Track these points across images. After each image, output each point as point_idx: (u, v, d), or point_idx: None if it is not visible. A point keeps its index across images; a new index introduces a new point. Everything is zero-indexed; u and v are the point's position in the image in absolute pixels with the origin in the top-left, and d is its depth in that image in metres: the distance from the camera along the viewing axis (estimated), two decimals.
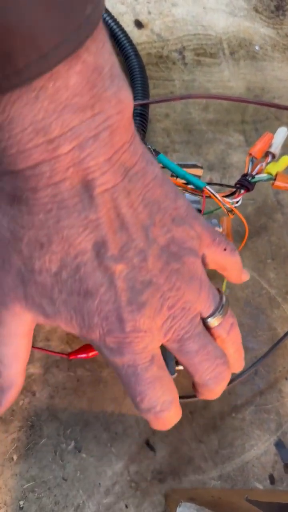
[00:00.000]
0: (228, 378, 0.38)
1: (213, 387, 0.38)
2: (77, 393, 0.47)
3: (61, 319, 0.33)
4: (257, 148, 0.48)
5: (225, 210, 0.46)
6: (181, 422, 0.50)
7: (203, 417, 0.51)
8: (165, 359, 0.46)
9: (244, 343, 0.55)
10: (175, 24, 0.61)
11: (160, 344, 0.35)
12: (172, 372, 0.45)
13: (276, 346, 0.53)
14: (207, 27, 0.63)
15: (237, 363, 0.42)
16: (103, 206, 0.30)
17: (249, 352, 0.55)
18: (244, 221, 0.48)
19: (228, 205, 0.46)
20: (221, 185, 0.47)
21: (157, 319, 0.33)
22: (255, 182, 0.47)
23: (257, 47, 0.65)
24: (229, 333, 0.38)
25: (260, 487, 0.52)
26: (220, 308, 0.37)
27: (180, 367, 0.47)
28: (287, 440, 0.54)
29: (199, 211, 0.48)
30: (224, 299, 0.38)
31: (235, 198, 0.46)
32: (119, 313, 0.32)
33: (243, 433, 0.53)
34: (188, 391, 0.51)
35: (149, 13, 0.60)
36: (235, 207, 0.46)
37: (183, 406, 0.50)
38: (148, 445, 0.49)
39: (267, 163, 0.48)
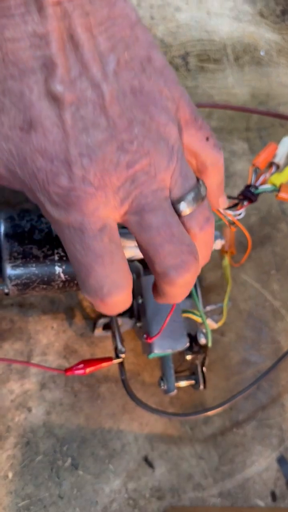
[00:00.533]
0: (194, 272, 0.32)
1: (174, 277, 0.31)
2: (74, 409, 0.46)
3: (1, 160, 0.29)
4: (261, 159, 0.47)
5: (227, 223, 0.45)
6: (180, 438, 0.49)
7: (203, 433, 0.50)
8: (164, 374, 0.46)
9: (246, 357, 0.54)
10: (179, 29, 0.60)
11: (116, 217, 0.30)
12: (171, 388, 0.44)
13: (280, 361, 0.52)
14: (211, 32, 0.61)
15: (203, 265, 0.36)
16: (53, 20, 0.26)
17: (252, 366, 0.54)
18: (247, 234, 0.46)
19: (230, 218, 0.44)
20: None
21: (113, 177, 0.28)
22: (258, 194, 0.46)
23: (262, 53, 0.64)
24: (202, 229, 0.32)
25: (262, 504, 0.51)
26: (194, 192, 0.31)
27: (181, 383, 0.46)
28: None
29: None
30: (201, 185, 0.32)
31: (238, 210, 0.45)
32: (66, 156, 0.27)
33: (244, 449, 0.52)
34: (188, 407, 0.50)
35: (152, 18, 0.59)
36: (238, 219, 0.45)
37: (183, 423, 0.49)
38: (147, 461, 0.48)
39: (271, 174, 0.47)
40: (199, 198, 0.31)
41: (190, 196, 0.31)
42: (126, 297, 0.32)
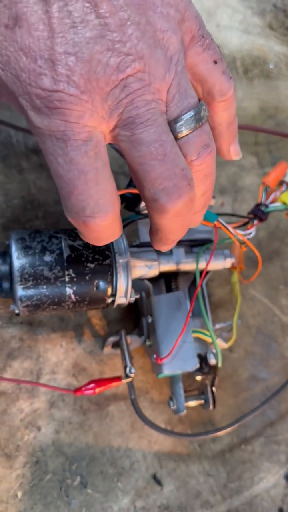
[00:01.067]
0: (187, 201, 0.28)
1: (165, 203, 0.28)
2: (83, 427, 0.45)
3: None
4: (271, 177, 0.46)
5: (238, 243, 0.45)
6: (189, 455, 0.49)
7: (211, 450, 0.50)
8: (173, 394, 0.45)
9: (255, 373, 0.54)
10: None
11: (104, 129, 0.27)
12: (181, 409, 0.44)
13: None
14: (220, 45, 0.61)
15: (201, 208, 0.32)
16: None
17: (260, 382, 0.54)
18: (258, 254, 0.46)
19: (240, 237, 0.44)
20: (234, 215, 0.46)
21: (101, 80, 0.25)
22: (269, 212, 0.46)
23: (271, 66, 0.64)
24: (200, 156, 0.29)
25: None
26: (194, 111, 0.28)
27: (190, 403, 0.46)
28: None
29: (212, 241, 0.47)
30: (202, 105, 0.28)
31: (248, 229, 0.45)
32: (51, 54, 0.25)
33: (252, 466, 0.52)
34: (196, 425, 0.50)
35: None
36: (248, 238, 0.45)
37: (192, 441, 0.49)
38: (155, 479, 0.47)
39: (282, 192, 0.47)
40: (198, 119, 0.28)
41: (189, 115, 0.28)
42: (111, 223, 0.29)
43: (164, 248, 0.33)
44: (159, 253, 0.45)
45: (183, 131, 0.28)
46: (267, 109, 0.62)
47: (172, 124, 0.28)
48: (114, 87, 0.26)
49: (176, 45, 0.27)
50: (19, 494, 0.43)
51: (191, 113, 0.28)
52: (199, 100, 0.29)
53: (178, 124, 0.28)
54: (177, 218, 0.29)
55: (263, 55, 0.64)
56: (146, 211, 0.45)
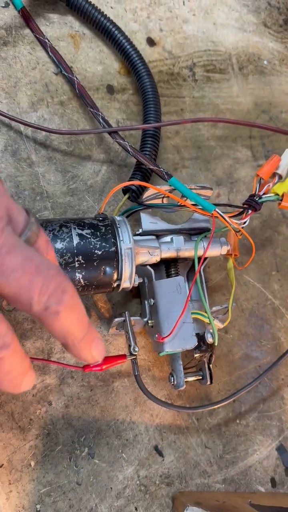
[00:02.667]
0: (71, 291, 0.29)
1: (57, 307, 0.28)
2: (90, 402, 0.49)
3: None
4: (265, 170, 0.49)
5: (233, 231, 0.48)
6: (188, 428, 0.53)
7: (208, 424, 0.54)
8: (174, 370, 0.49)
9: (248, 353, 0.57)
10: (186, 40, 0.62)
11: None
12: (181, 384, 0.48)
13: (282, 358, 0.55)
14: (217, 43, 0.64)
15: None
16: None
17: (253, 361, 0.57)
18: (252, 242, 0.49)
19: (236, 226, 0.47)
20: (229, 205, 0.49)
21: None
22: (262, 203, 0.49)
23: (265, 62, 0.66)
24: (48, 252, 0.32)
25: (262, 490, 0.55)
26: (32, 220, 0.31)
27: (189, 379, 0.50)
28: None
29: (209, 230, 0.50)
30: (29, 213, 0.31)
31: (243, 219, 0.48)
32: None
33: (247, 439, 0.56)
34: (194, 400, 0.53)
35: (161, 30, 0.61)
36: (243, 227, 0.48)
37: (190, 414, 0.53)
38: (157, 450, 0.51)
39: (274, 184, 0.50)
40: (38, 226, 0.31)
41: (31, 226, 0.30)
42: None
43: (96, 353, 0.33)
44: (160, 241, 0.48)
45: (35, 236, 0.31)
46: (261, 104, 0.65)
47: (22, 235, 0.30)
48: None
49: None
50: (32, 463, 0.46)
51: (31, 223, 0.31)
52: (25, 209, 0.32)
53: (25, 234, 0.30)
54: (73, 310, 0.30)
55: (258, 52, 0.66)
56: (149, 202, 0.49)
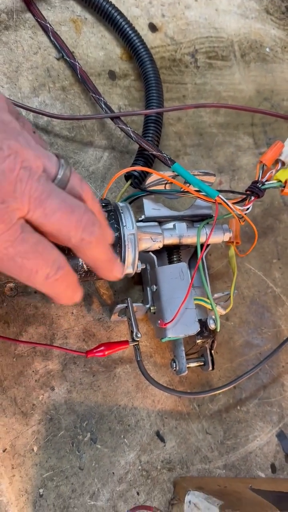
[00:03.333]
0: (99, 223, 0.35)
1: (90, 238, 0.35)
2: (93, 387, 0.49)
3: None
4: (268, 156, 0.49)
5: (236, 218, 0.48)
6: (189, 414, 0.53)
7: (209, 410, 0.54)
8: (176, 356, 0.49)
9: (249, 340, 0.58)
10: (188, 26, 0.62)
11: (24, 214, 0.33)
12: (183, 369, 0.48)
13: (283, 345, 0.55)
14: (219, 29, 0.64)
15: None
16: None
17: (254, 348, 0.57)
18: (255, 228, 0.49)
19: (239, 212, 0.47)
20: (232, 192, 0.49)
21: (5, 184, 0.32)
22: (265, 189, 0.49)
23: (267, 49, 0.66)
24: (82, 188, 0.36)
25: (262, 475, 0.55)
26: (62, 163, 0.35)
27: (191, 365, 0.50)
28: None
29: (212, 217, 0.50)
30: (59, 157, 0.36)
31: (246, 205, 0.48)
32: None
33: (247, 425, 0.56)
34: (195, 386, 0.54)
35: (163, 16, 0.61)
36: (245, 213, 0.48)
37: (192, 400, 0.53)
38: (159, 436, 0.51)
39: (277, 170, 0.50)
40: (70, 168, 0.36)
41: (63, 168, 0.35)
42: (69, 277, 0.35)
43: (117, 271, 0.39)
44: (162, 227, 0.48)
45: (65, 179, 0.35)
46: (263, 92, 0.65)
47: (55, 179, 0.35)
48: (14, 184, 0.32)
49: (18, 124, 0.35)
50: (35, 448, 0.46)
51: (63, 165, 0.35)
52: (55, 153, 0.36)
53: (59, 176, 0.35)
54: (100, 243, 0.36)
55: (260, 39, 0.66)
56: (151, 188, 0.49)
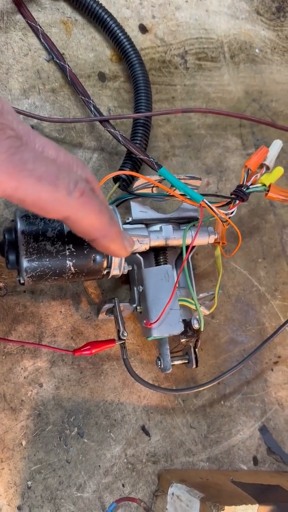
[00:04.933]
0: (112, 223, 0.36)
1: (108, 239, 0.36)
2: (80, 384, 0.51)
3: None
4: (253, 161, 0.50)
5: (220, 222, 0.49)
6: (174, 409, 0.55)
7: (194, 405, 0.56)
8: (161, 354, 0.51)
9: (234, 337, 0.59)
10: (178, 28, 0.62)
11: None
12: (168, 367, 0.50)
13: (266, 342, 0.57)
14: (209, 30, 0.64)
15: None
16: None
17: (238, 345, 0.59)
18: (238, 231, 0.51)
19: (222, 216, 0.49)
20: (217, 196, 0.50)
21: None
22: (250, 193, 0.50)
23: (257, 50, 0.67)
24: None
25: (245, 468, 0.58)
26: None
27: (175, 362, 0.52)
28: (270, 426, 0.60)
29: (197, 219, 0.51)
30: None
31: (230, 209, 0.49)
32: None
33: (230, 419, 0.58)
34: (181, 382, 0.55)
35: (153, 17, 0.61)
36: (230, 217, 0.49)
37: (177, 396, 0.55)
38: (144, 430, 0.53)
39: (262, 175, 0.51)
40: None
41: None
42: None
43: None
44: (149, 229, 0.50)
45: None
46: (252, 93, 0.65)
47: None
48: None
49: None
50: (24, 442, 0.48)
51: None
52: None
53: None
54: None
55: (250, 40, 0.67)
56: (139, 191, 0.50)
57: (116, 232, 0.37)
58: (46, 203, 0.32)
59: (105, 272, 0.46)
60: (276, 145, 0.52)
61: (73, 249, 0.43)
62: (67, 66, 0.53)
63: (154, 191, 0.50)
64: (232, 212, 0.49)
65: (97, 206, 0.34)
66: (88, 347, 0.48)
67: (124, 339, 0.48)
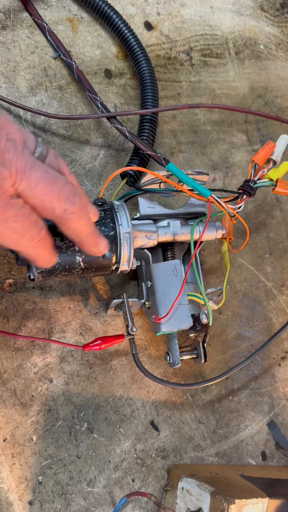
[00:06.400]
0: (80, 193, 0.38)
1: (72, 207, 0.37)
2: (90, 379, 0.51)
3: None
4: (260, 156, 0.51)
5: (229, 216, 0.49)
6: (182, 404, 0.55)
7: (202, 400, 0.56)
8: (170, 349, 0.51)
9: (241, 333, 0.59)
10: (183, 24, 0.63)
11: (13, 185, 0.35)
12: (177, 362, 0.50)
13: (274, 338, 0.57)
14: (214, 27, 0.64)
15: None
16: None
17: (246, 341, 0.59)
18: (246, 226, 0.51)
19: (231, 211, 0.49)
20: (225, 191, 0.50)
21: None
22: (257, 188, 0.51)
23: (262, 46, 0.67)
24: (59, 162, 0.38)
25: (253, 463, 0.58)
26: (39, 140, 0.37)
27: (184, 357, 0.52)
28: (278, 421, 0.60)
29: (205, 214, 0.51)
30: (36, 135, 0.38)
31: (238, 204, 0.49)
32: None
33: (239, 414, 0.58)
34: (189, 377, 0.56)
35: (159, 14, 0.61)
36: (237, 212, 0.50)
37: (185, 391, 0.55)
38: (153, 425, 0.53)
39: (269, 169, 0.51)
40: (46, 144, 0.37)
41: (41, 143, 0.37)
42: None
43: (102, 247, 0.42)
44: (157, 225, 0.50)
45: (44, 152, 0.37)
46: (257, 89, 0.66)
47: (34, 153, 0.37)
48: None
49: None
50: (34, 438, 0.48)
51: (40, 141, 0.37)
52: (32, 131, 0.38)
53: (37, 150, 0.37)
54: (83, 211, 0.38)
55: (254, 36, 0.67)
56: (146, 186, 0.50)
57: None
58: None
59: (114, 268, 0.46)
60: (283, 140, 0.52)
61: None
62: (73, 63, 0.53)
63: (162, 187, 0.51)
64: (240, 207, 0.50)
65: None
66: (98, 342, 0.48)
67: (133, 335, 0.48)
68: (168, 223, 0.50)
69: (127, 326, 0.48)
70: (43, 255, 0.38)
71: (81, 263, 0.44)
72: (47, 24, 0.54)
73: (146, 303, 0.50)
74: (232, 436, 0.57)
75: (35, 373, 0.49)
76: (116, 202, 0.47)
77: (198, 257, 0.52)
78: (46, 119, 0.53)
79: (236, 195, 0.50)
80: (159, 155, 0.49)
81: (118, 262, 0.46)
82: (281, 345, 0.61)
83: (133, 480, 0.51)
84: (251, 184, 0.50)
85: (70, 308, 0.51)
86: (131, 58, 0.56)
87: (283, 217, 0.64)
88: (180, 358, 0.51)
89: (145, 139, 0.53)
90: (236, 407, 0.58)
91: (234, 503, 0.45)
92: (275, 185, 0.51)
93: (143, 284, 0.51)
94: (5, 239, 0.36)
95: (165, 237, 0.49)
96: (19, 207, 0.35)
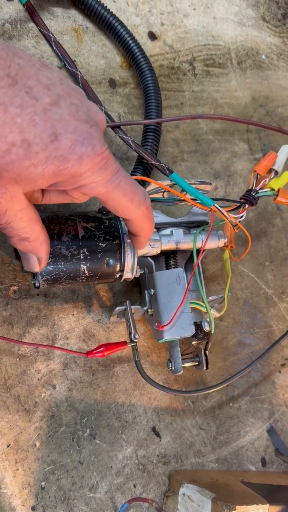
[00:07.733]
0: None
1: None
2: (92, 386, 0.52)
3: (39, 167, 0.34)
4: (262, 166, 0.51)
5: (231, 226, 0.50)
6: (183, 411, 0.56)
7: (203, 406, 0.57)
8: (172, 356, 0.52)
9: (242, 340, 0.60)
10: (186, 35, 0.63)
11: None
12: (179, 369, 0.51)
13: (274, 345, 0.58)
14: (216, 37, 0.65)
15: None
16: None
17: (247, 347, 0.60)
18: (248, 235, 0.52)
19: (233, 220, 0.50)
20: (227, 200, 0.51)
21: None
22: (258, 197, 0.51)
23: (263, 56, 0.68)
24: None
25: (253, 469, 0.58)
26: None
27: (186, 364, 0.53)
28: (278, 427, 0.60)
29: (207, 223, 0.52)
30: None
31: (240, 213, 0.50)
32: None
33: (239, 421, 0.59)
34: (190, 384, 0.56)
35: (162, 24, 0.62)
36: (239, 221, 0.50)
37: (186, 397, 0.56)
38: (154, 431, 0.54)
39: (270, 179, 0.52)
40: None
41: None
42: None
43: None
44: (160, 233, 0.50)
45: None
46: (259, 99, 0.66)
47: None
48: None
49: None
50: (37, 443, 0.49)
51: None
52: None
53: None
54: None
55: (256, 46, 0.68)
56: (150, 195, 0.51)
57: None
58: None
59: (118, 276, 0.47)
60: (285, 150, 0.53)
61: (87, 253, 0.44)
62: (78, 73, 0.54)
63: (165, 196, 0.51)
64: (242, 216, 0.50)
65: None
66: (102, 349, 0.49)
67: (136, 342, 0.49)
68: (171, 231, 0.50)
69: (130, 333, 0.49)
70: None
71: (86, 271, 0.45)
72: (52, 34, 0.55)
73: (149, 310, 0.51)
74: (232, 442, 0.57)
75: (38, 379, 0.49)
76: None
77: (200, 265, 0.52)
78: None
79: (238, 204, 0.51)
80: (163, 165, 0.50)
81: (122, 270, 0.46)
82: (281, 352, 0.61)
83: (134, 486, 0.52)
84: (253, 194, 0.51)
85: (73, 314, 0.52)
86: (135, 68, 0.57)
87: (284, 225, 0.65)
88: (182, 365, 0.51)
89: (149, 149, 0.53)
90: (236, 414, 0.58)
91: (235, 509, 0.45)
92: (277, 195, 0.52)
93: (146, 292, 0.51)
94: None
95: (168, 245, 0.50)
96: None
